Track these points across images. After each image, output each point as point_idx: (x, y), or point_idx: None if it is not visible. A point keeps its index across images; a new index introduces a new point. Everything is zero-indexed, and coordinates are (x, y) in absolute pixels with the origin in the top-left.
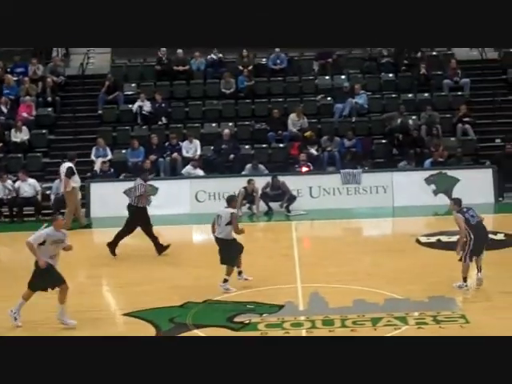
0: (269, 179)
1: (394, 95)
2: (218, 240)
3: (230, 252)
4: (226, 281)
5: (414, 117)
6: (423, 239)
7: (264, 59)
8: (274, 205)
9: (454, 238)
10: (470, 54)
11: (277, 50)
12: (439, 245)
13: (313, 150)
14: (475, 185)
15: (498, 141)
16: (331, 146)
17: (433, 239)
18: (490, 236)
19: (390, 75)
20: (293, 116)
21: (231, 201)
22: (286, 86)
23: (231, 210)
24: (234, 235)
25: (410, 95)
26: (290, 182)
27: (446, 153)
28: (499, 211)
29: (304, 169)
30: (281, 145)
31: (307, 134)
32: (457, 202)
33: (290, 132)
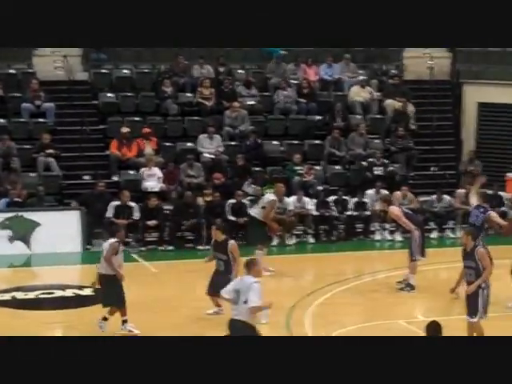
0: None
1: None
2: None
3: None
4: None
5: None
6: None
7: None
8: None
9: (32, 295)
10: (55, 74)
11: None
12: (14, 303)
13: None
14: (60, 230)
15: (86, 178)
16: None
17: (7, 296)
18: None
19: None
20: None
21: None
22: None
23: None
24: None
25: None
26: None
27: (25, 191)
28: (86, 261)
29: None
30: None
31: None
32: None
33: None
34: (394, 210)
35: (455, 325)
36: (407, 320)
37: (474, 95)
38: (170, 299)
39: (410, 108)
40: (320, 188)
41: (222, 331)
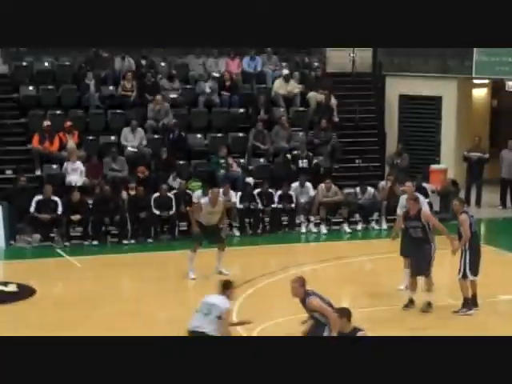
0: None
1: None
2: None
3: None
4: None
5: None
6: None
7: None
8: None
9: None
10: None
11: None
12: None
13: None
14: None
15: (8, 172)
16: None
17: None
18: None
19: None
20: None
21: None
22: None
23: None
24: None
25: None
26: None
27: None
28: (10, 257)
29: None
30: None
31: None
32: (462, 201)
33: None
34: (428, 212)
35: (379, 315)
36: None
37: (396, 87)
38: (94, 295)
39: (333, 100)
40: (250, 180)
41: (144, 330)
